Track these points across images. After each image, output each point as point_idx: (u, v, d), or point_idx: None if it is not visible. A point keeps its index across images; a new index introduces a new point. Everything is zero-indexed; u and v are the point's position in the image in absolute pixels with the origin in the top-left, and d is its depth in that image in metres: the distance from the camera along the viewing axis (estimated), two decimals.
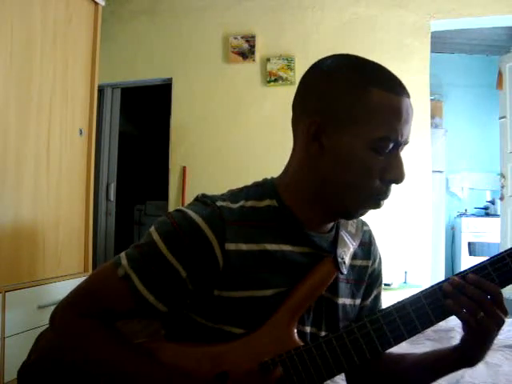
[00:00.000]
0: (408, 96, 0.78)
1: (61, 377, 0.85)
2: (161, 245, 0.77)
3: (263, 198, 0.83)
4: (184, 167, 3.62)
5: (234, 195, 0.84)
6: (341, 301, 0.87)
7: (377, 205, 0.80)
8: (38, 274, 2.23)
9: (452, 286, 0.76)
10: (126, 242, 4.48)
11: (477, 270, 0.77)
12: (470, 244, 4.83)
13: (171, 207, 3.63)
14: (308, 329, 0.84)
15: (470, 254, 4.79)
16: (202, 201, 0.82)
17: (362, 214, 0.83)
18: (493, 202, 4.99)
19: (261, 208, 0.82)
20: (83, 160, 2.55)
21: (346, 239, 0.88)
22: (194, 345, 0.81)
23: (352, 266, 0.90)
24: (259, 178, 0.91)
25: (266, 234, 0.80)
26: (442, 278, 4.28)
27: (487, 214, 4.99)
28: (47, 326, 0.96)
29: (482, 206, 5.10)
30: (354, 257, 0.90)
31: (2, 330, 1.94)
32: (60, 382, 0.86)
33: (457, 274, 0.78)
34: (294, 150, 0.85)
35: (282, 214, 0.82)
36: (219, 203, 0.80)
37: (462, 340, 0.81)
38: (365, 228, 0.96)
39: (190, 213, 0.78)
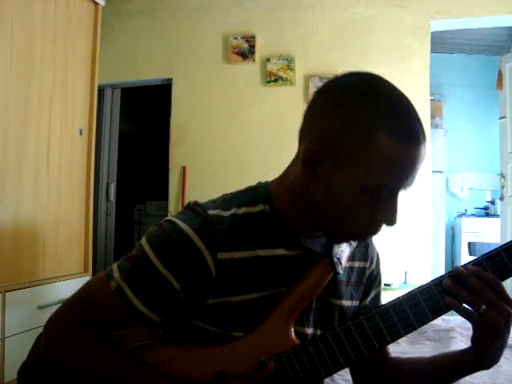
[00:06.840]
0: (420, 143, 0.71)
1: (61, 377, 0.85)
2: (153, 257, 0.76)
3: (256, 203, 0.82)
4: (184, 167, 3.62)
5: (226, 202, 0.83)
6: (340, 303, 0.87)
7: (363, 240, 0.81)
8: (38, 274, 2.22)
9: (453, 278, 0.76)
10: (125, 242, 4.49)
11: (473, 265, 0.77)
12: (469, 244, 4.83)
13: (171, 207, 3.63)
14: (309, 330, 0.84)
15: (470, 254, 4.79)
16: (193, 209, 0.81)
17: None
18: (493, 202, 4.99)
19: (254, 214, 0.82)
20: (83, 160, 2.55)
21: None
22: (191, 346, 0.81)
23: (351, 268, 0.90)
24: (259, 178, 0.90)
25: (258, 240, 0.80)
26: None
27: (487, 214, 4.98)
28: None
29: (481, 206, 5.10)
30: (352, 258, 0.90)
31: (2, 329, 1.94)
32: (60, 383, 0.86)
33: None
34: (296, 157, 0.81)
35: (274, 219, 0.82)
36: (211, 212, 0.79)
37: (472, 340, 0.80)
38: None
39: (181, 224, 0.77)
